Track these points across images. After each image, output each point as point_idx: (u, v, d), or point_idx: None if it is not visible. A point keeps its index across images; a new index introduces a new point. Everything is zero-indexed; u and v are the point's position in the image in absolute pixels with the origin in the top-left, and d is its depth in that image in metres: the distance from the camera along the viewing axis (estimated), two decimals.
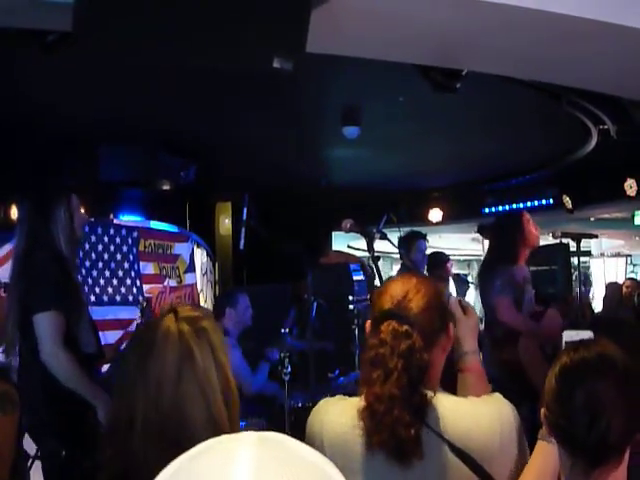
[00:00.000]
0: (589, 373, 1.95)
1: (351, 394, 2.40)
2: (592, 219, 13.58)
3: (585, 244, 17.19)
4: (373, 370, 2.18)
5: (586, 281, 7.77)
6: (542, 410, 2.02)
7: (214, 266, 11.00)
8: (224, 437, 0.95)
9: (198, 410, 1.85)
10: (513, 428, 2.24)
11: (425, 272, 8.07)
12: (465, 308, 2.58)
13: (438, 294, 2.39)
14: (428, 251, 8.16)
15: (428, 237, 7.93)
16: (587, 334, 2.23)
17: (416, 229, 8.09)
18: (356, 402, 2.23)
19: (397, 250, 7.21)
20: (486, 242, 15.45)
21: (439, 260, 8.60)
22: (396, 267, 15.17)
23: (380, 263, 4.70)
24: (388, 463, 2.14)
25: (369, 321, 2.37)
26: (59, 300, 3.83)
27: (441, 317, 2.34)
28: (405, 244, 7.40)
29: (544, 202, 11.20)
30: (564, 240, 7.33)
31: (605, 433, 1.88)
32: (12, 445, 3.17)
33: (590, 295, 15.50)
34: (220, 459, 0.89)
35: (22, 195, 4.29)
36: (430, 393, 2.20)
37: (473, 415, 2.25)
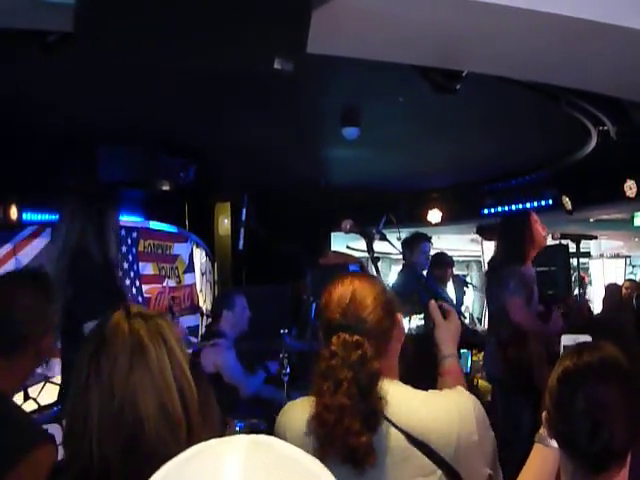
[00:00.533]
0: (592, 378, 1.93)
1: None
2: (591, 220, 13.57)
3: (584, 245, 17.18)
4: (323, 382, 2.21)
5: (581, 283, 7.75)
6: (544, 413, 2.01)
7: (213, 266, 11.01)
8: (215, 441, 0.96)
9: (151, 404, 1.83)
10: (473, 418, 2.24)
11: (424, 272, 8.09)
12: (446, 312, 2.60)
13: (380, 289, 2.42)
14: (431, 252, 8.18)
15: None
16: (586, 338, 2.23)
17: (415, 230, 8.10)
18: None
19: (397, 251, 7.22)
20: (485, 243, 15.51)
21: (442, 262, 8.62)
22: (395, 267, 15.19)
23: (379, 264, 4.70)
24: (342, 467, 2.15)
25: (320, 332, 2.39)
26: (108, 308, 3.77)
27: (389, 312, 2.37)
28: (408, 245, 7.41)
29: (543, 203, 11.19)
30: (563, 241, 7.34)
31: (608, 440, 1.87)
32: None
33: (588, 297, 15.52)
34: (209, 463, 0.89)
35: (66, 200, 4.18)
36: (386, 387, 2.22)
37: (429, 405, 2.27)
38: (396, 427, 2.19)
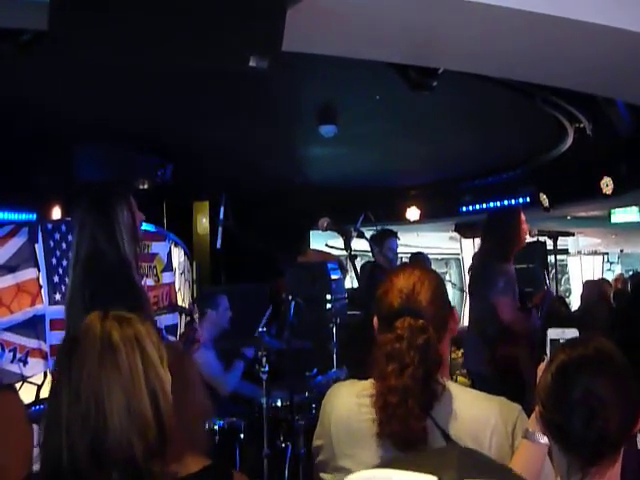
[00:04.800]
0: (587, 370, 1.95)
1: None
2: (569, 217, 13.65)
3: (562, 242, 17.30)
4: (388, 364, 2.24)
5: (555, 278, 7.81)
6: (536, 408, 2.02)
7: (192, 265, 10.97)
8: None
9: (117, 406, 1.82)
10: (511, 427, 2.26)
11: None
12: None
13: (440, 281, 2.47)
14: (408, 249, 8.19)
15: (406, 235, 7.96)
16: (573, 332, 2.24)
17: (394, 228, 8.11)
18: (366, 384, 2.32)
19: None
20: (464, 241, 15.57)
21: (420, 262, 8.63)
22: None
23: (357, 261, 4.71)
24: (394, 448, 2.20)
25: (376, 318, 2.43)
26: (127, 308, 3.72)
27: (446, 303, 2.44)
28: (377, 242, 7.41)
29: (521, 200, 11.23)
30: (541, 238, 7.37)
31: (603, 430, 1.89)
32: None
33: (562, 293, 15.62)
34: None
35: (78, 197, 4.12)
36: (441, 382, 2.28)
37: (472, 405, 2.31)
38: (435, 424, 2.22)
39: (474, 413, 2.27)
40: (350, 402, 2.37)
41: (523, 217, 5.94)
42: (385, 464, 0.93)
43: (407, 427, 2.16)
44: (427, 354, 2.22)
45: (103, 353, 1.86)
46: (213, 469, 2.11)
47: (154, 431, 1.84)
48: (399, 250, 7.79)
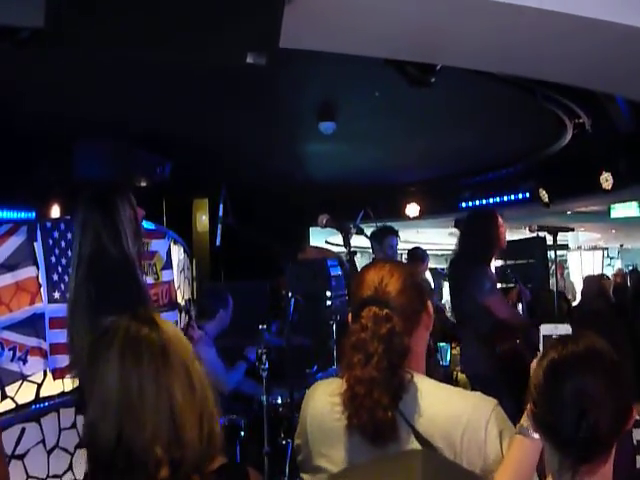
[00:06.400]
0: (578, 367, 1.94)
1: None
2: (569, 213, 13.66)
3: (562, 237, 17.29)
4: (354, 354, 2.23)
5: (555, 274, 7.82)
6: (528, 405, 2.01)
7: (191, 263, 10.96)
8: None
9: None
10: (484, 423, 2.21)
11: None
12: None
13: (413, 274, 2.45)
14: (408, 246, 8.17)
15: (406, 232, 7.95)
16: (565, 328, 2.23)
17: (394, 224, 8.10)
18: (340, 383, 2.29)
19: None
20: None
21: (417, 256, 8.64)
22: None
23: (357, 258, 4.69)
24: (364, 443, 2.19)
25: (350, 312, 2.42)
26: (131, 305, 3.70)
27: (419, 296, 2.39)
28: (376, 239, 7.41)
29: (521, 196, 11.25)
30: (541, 234, 7.37)
31: (594, 428, 1.88)
32: None
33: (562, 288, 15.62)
34: None
35: (80, 195, 4.09)
36: (409, 375, 2.24)
37: (444, 402, 2.27)
38: (405, 420, 2.20)
39: (446, 410, 2.23)
40: (324, 401, 2.36)
41: (500, 219, 5.95)
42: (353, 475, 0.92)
43: (374, 418, 2.15)
44: (391, 344, 2.20)
45: (159, 356, 1.91)
46: (230, 467, 2.10)
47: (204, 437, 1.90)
48: (399, 247, 7.78)
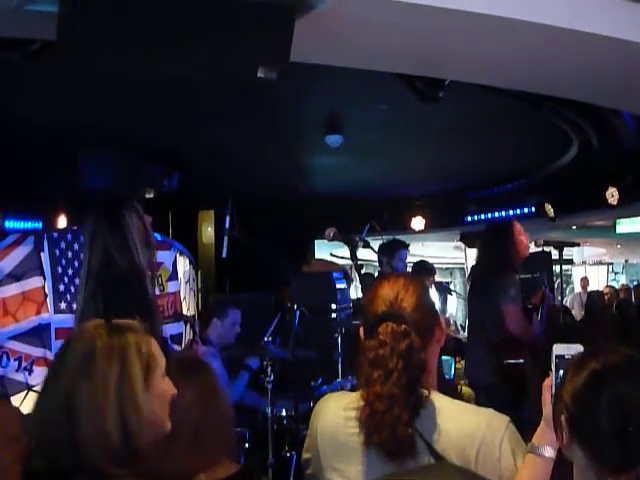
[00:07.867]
0: (620, 377, 1.94)
1: None
2: (574, 227, 13.65)
3: (567, 252, 17.26)
4: (373, 370, 2.21)
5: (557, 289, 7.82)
6: (562, 417, 1.99)
7: (197, 274, 10.97)
8: None
9: (85, 414, 1.84)
10: (499, 440, 2.21)
11: None
12: None
13: (425, 290, 2.45)
14: (412, 259, 8.16)
15: (412, 245, 7.93)
16: (577, 347, 2.22)
17: (399, 237, 8.10)
18: (353, 397, 2.29)
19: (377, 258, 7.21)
20: (469, 250, 15.55)
21: (424, 269, 8.61)
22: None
23: (363, 271, 4.70)
24: (381, 458, 2.19)
25: (361, 326, 2.40)
26: (140, 317, 3.68)
27: (432, 311, 2.40)
28: (387, 252, 7.39)
29: (526, 210, 11.24)
30: (546, 248, 7.35)
31: (635, 438, 1.88)
32: None
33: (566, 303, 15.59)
34: None
35: (88, 208, 4.08)
36: (425, 392, 2.24)
37: (459, 419, 2.26)
38: (420, 436, 2.20)
39: (461, 427, 2.23)
40: (337, 415, 2.35)
41: (520, 229, 5.92)
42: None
43: (395, 434, 2.14)
44: (410, 360, 2.20)
45: (82, 362, 1.88)
46: (245, 474, 2.10)
47: (118, 445, 1.84)
48: None
